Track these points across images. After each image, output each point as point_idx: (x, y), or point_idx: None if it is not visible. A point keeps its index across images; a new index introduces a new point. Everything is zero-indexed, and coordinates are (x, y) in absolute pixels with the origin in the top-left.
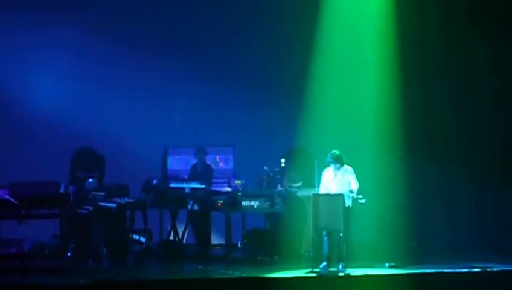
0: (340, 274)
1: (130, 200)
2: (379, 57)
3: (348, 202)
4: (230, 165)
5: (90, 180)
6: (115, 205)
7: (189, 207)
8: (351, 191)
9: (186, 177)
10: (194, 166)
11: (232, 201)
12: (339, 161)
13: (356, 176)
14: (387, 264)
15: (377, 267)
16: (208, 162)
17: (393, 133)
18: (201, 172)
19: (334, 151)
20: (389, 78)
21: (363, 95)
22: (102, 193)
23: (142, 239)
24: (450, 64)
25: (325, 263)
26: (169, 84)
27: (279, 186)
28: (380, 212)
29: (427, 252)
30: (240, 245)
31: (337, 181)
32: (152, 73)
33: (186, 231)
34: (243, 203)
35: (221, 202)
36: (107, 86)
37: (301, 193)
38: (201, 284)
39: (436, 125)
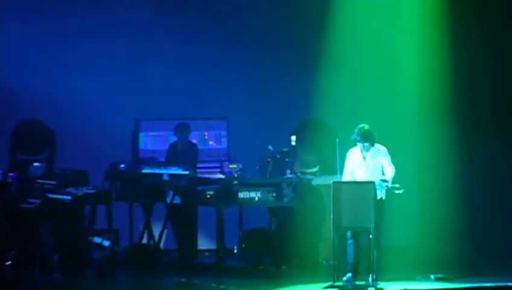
0: (371, 289)
1: (89, 191)
2: (421, 10)
3: (381, 193)
4: (223, 144)
5: (37, 164)
6: (69, 197)
7: (169, 200)
8: (384, 180)
9: (163, 160)
10: (174, 145)
11: (226, 192)
12: (368, 139)
13: (392, 158)
14: (432, 276)
15: (420, 280)
16: (193, 141)
17: (440, 106)
18: (184, 153)
19: (362, 125)
20: (433, 36)
21: (400, 58)
22: (53, 182)
23: (106, 243)
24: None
25: (349, 275)
26: (144, 40)
27: (288, 172)
28: (422, 207)
29: (486, 259)
30: (235, 251)
31: (365, 165)
32: (122, 28)
33: (165, 231)
34: (240, 194)
35: (211, 193)
36: (59, 45)
37: (318, 182)
38: None
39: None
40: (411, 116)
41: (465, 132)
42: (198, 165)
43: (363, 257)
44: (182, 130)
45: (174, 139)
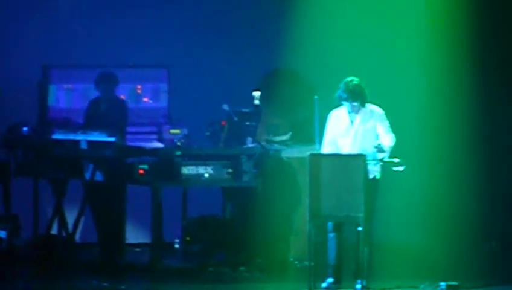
0: None
1: None
2: None
3: (374, 170)
4: (163, 102)
5: None
6: None
7: (88, 176)
8: (380, 149)
9: (81, 122)
10: (96, 103)
11: (165, 166)
12: (358, 97)
13: (390, 125)
14: (443, 284)
15: (425, 289)
16: (121, 96)
17: (454, 62)
18: (109, 114)
19: (350, 79)
20: None
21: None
22: None
23: (2, 233)
24: None
25: (330, 280)
26: None
27: (249, 140)
28: (430, 191)
29: None
30: (177, 245)
31: (354, 132)
32: None
33: (82, 219)
34: (185, 170)
35: (145, 167)
36: None
37: (290, 154)
38: None
39: None
40: (414, 71)
41: (488, 90)
42: (128, 129)
43: (349, 256)
44: (106, 81)
45: (95, 94)
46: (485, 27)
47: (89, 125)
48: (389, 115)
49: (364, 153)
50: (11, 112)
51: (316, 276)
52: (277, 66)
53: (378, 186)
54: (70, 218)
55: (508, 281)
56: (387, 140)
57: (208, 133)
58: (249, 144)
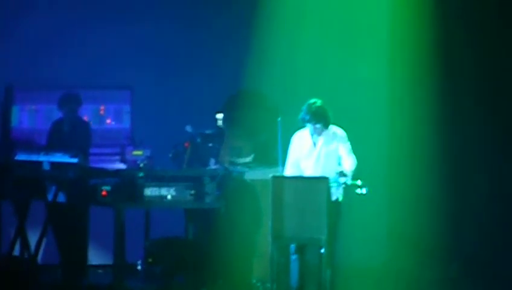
0: None
1: None
2: None
3: (337, 193)
4: (126, 123)
5: None
6: None
7: (50, 197)
8: (342, 174)
9: (44, 143)
10: (59, 124)
11: (128, 188)
12: (321, 119)
13: (352, 147)
14: None
15: None
16: (84, 118)
17: (419, 85)
18: (71, 134)
19: (313, 101)
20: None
21: (367, 16)
22: None
23: None
24: None
25: None
26: None
27: (212, 162)
28: (393, 213)
29: (477, 284)
30: (139, 267)
31: (316, 154)
32: None
33: (44, 240)
34: (147, 191)
35: (108, 189)
36: None
37: (253, 176)
38: None
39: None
40: (378, 92)
41: (448, 112)
42: (91, 150)
43: (312, 278)
44: (69, 102)
45: (59, 115)
46: (450, 41)
47: (51, 146)
48: (352, 136)
49: (327, 175)
50: None
51: None
52: (240, 88)
53: (341, 208)
54: (33, 239)
55: None
56: (349, 162)
57: (170, 155)
58: (212, 165)
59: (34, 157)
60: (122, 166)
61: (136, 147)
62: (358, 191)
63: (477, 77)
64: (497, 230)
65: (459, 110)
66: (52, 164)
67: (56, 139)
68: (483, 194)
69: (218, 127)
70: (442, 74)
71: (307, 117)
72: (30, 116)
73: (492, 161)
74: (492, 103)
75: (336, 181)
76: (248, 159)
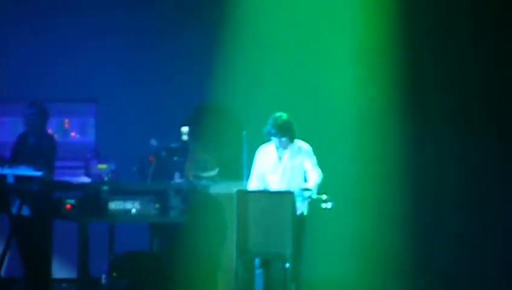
0: None
1: None
2: None
3: (302, 207)
4: (90, 137)
5: None
6: None
7: (14, 211)
8: (307, 188)
9: (8, 156)
10: (23, 137)
11: (92, 201)
12: (286, 133)
13: (317, 161)
14: None
15: None
16: (49, 131)
17: (385, 98)
18: (35, 148)
19: (278, 114)
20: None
21: (330, 28)
22: None
23: None
24: None
25: None
26: None
27: (177, 175)
28: (359, 227)
29: None
30: (104, 281)
31: (282, 168)
32: None
33: (8, 253)
34: (112, 205)
35: (72, 202)
36: None
37: (217, 190)
38: None
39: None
40: (345, 104)
41: (418, 122)
42: (56, 164)
43: None
44: (33, 112)
45: (23, 128)
46: (419, 47)
47: (16, 159)
48: (318, 150)
49: (292, 189)
50: None
51: None
52: (205, 101)
53: (306, 222)
54: None
55: None
56: (314, 176)
57: (135, 169)
58: (177, 179)
59: None
60: (86, 179)
61: (101, 161)
62: (324, 205)
63: (445, 85)
64: (470, 245)
65: (430, 120)
66: (17, 177)
67: (21, 152)
68: (454, 207)
69: (183, 140)
70: (410, 82)
71: (273, 131)
72: None
73: (465, 172)
74: (463, 112)
75: (301, 195)
76: (213, 173)
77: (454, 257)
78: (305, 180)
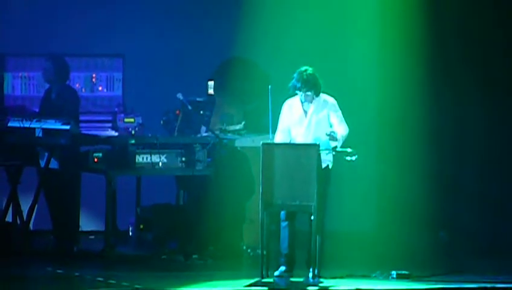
0: (311, 288)
1: None
2: None
3: (327, 160)
4: (117, 91)
5: None
6: None
7: (43, 164)
8: (333, 137)
9: (37, 110)
10: (48, 91)
11: (119, 155)
12: (312, 87)
13: (344, 115)
14: (394, 273)
15: (377, 277)
16: (76, 85)
17: (410, 53)
18: (57, 101)
19: (304, 68)
20: None
21: None
22: None
23: None
24: None
25: (283, 268)
26: None
27: (203, 129)
28: (382, 181)
29: (466, 252)
30: (131, 233)
31: (307, 122)
32: None
33: (37, 206)
34: (139, 158)
35: (99, 155)
36: None
37: (243, 143)
38: None
39: None
40: (370, 60)
41: (440, 77)
42: (84, 118)
43: (302, 245)
44: (54, 66)
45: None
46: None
47: (42, 113)
48: (343, 105)
49: (317, 142)
50: None
51: (268, 264)
52: (231, 56)
53: (331, 175)
54: (25, 205)
55: (456, 271)
56: (341, 129)
57: (162, 122)
58: (203, 133)
59: (26, 124)
60: (113, 133)
61: (128, 115)
62: (348, 158)
63: (468, 56)
64: (489, 199)
65: (451, 75)
66: (45, 130)
67: (45, 107)
68: (476, 162)
69: (209, 94)
70: (433, 41)
71: (298, 84)
72: (22, 84)
73: (488, 128)
74: (486, 72)
75: (327, 147)
76: (239, 127)
77: (474, 213)
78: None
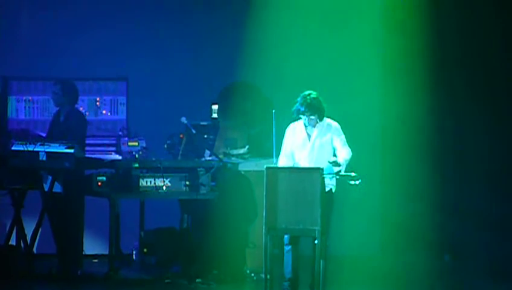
0: None
1: None
2: None
3: (330, 184)
4: (121, 115)
5: None
6: None
7: (46, 188)
8: (336, 163)
9: (42, 134)
10: (57, 115)
11: (123, 178)
12: (316, 111)
13: (347, 138)
14: None
15: None
16: (80, 109)
17: (412, 77)
18: (65, 125)
19: (308, 92)
20: None
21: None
22: None
23: None
24: None
25: None
26: None
27: (207, 153)
28: (386, 205)
29: (471, 275)
30: (135, 256)
31: (310, 146)
32: None
33: (40, 230)
34: (143, 182)
35: (103, 179)
36: None
37: (247, 167)
38: None
39: None
40: (372, 84)
41: (442, 99)
42: (87, 141)
43: (305, 269)
44: (62, 89)
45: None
46: (443, 28)
47: (50, 136)
48: (346, 129)
49: (320, 167)
50: None
51: (272, 289)
52: (235, 80)
53: (334, 199)
54: (29, 229)
55: None
56: (344, 153)
57: (166, 146)
58: (207, 156)
59: (30, 148)
60: (117, 157)
61: (132, 138)
62: (352, 182)
63: (470, 64)
64: (493, 220)
65: (453, 97)
66: (49, 154)
67: (54, 130)
68: (479, 184)
69: (213, 118)
70: (435, 63)
71: (302, 108)
72: (26, 107)
73: (490, 150)
74: (488, 91)
75: (330, 170)
76: (242, 151)
77: (480, 235)
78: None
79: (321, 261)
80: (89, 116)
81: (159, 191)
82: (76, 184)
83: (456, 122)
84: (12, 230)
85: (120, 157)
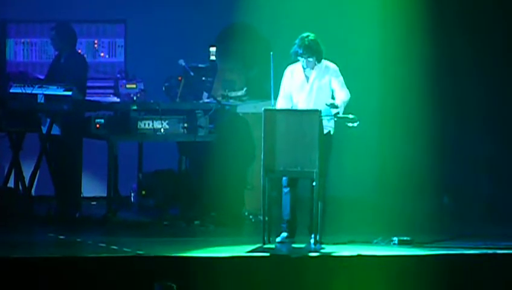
0: (313, 254)
1: None
2: None
3: (329, 126)
4: (119, 57)
5: None
6: None
7: (45, 130)
8: (334, 105)
9: (40, 76)
10: (57, 57)
11: (121, 120)
12: (314, 53)
13: (345, 80)
14: (396, 239)
15: (378, 243)
16: (79, 51)
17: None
18: (65, 67)
19: (306, 34)
20: None
21: None
22: None
23: None
24: None
25: (285, 234)
26: None
27: (205, 95)
28: (384, 146)
29: (468, 218)
30: (133, 199)
31: (309, 88)
32: None
33: (38, 172)
34: (141, 124)
35: (102, 121)
36: None
37: (245, 109)
38: (52, 266)
39: None
40: (373, 26)
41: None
42: (87, 83)
43: (304, 211)
44: (61, 31)
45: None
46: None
47: (50, 79)
48: (345, 71)
49: (319, 109)
50: None
51: (270, 230)
52: (233, 22)
53: (332, 141)
54: (27, 171)
55: (458, 236)
56: (341, 95)
57: (163, 88)
58: (205, 99)
59: (28, 90)
60: (115, 99)
61: (130, 81)
62: (350, 124)
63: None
64: (491, 161)
65: (452, 44)
66: (47, 96)
67: (54, 72)
68: (477, 128)
69: (211, 60)
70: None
71: (300, 51)
72: (24, 50)
73: (487, 95)
74: (485, 38)
75: (328, 112)
76: (241, 93)
77: (479, 178)
78: (333, 98)
79: (319, 203)
80: (87, 58)
81: (157, 133)
82: (75, 126)
83: (455, 68)
84: (11, 172)
85: (118, 100)
